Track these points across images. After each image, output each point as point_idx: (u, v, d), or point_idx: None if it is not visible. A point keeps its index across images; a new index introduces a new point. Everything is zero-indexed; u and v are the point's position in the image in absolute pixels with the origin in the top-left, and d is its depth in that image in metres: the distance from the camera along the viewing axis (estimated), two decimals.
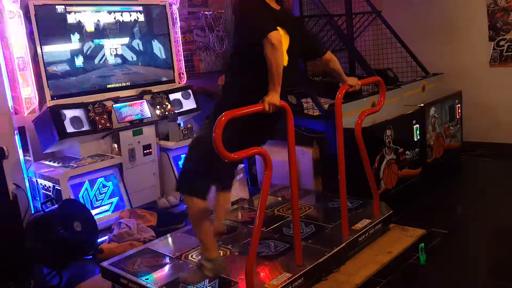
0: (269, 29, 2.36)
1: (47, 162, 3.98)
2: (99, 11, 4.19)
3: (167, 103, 4.50)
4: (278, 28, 2.44)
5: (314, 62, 5.03)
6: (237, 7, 2.70)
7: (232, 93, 2.61)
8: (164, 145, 4.47)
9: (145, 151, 4.30)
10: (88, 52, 4.14)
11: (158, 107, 4.41)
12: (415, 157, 4.17)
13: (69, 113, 3.86)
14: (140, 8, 4.50)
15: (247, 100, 2.38)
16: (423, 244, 3.00)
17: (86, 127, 3.92)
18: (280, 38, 2.40)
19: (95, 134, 4.00)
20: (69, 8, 3.99)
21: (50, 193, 3.75)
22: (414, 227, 3.34)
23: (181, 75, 4.88)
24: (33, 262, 3.22)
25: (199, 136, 2.65)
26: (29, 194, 3.77)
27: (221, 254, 2.73)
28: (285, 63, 2.53)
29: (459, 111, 4.94)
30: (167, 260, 2.90)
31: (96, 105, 4.01)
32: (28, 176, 3.85)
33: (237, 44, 2.65)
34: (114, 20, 4.30)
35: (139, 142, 4.26)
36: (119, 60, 4.35)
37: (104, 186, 3.99)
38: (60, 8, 3.94)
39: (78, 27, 4.06)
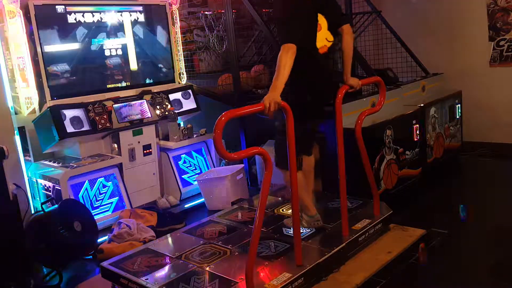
0: (288, 40, 2.69)
1: (47, 162, 3.98)
2: (99, 11, 4.19)
3: (167, 103, 4.50)
4: (318, 14, 2.96)
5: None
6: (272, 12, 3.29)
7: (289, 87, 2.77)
8: (164, 145, 4.47)
9: (145, 151, 4.30)
10: (88, 52, 4.14)
11: (158, 107, 4.42)
12: (415, 157, 4.17)
13: (69, 113, 3.86)
14: (140, 8, 4.50)
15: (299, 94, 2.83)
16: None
17: (86, 127, 3.92)
18: (294, 50, 2.69)
19: (95, 134, 4.00)
20: (69, 8, 3.99)
21: (50, 193, 3.75)
22: (414, 227, 3.34)
23: (181, 75, 4.88)
24: (33, 262, 3.22)
25: (276, 125, 3.07)
26: (29, 194, 3.77)
27: (318, 214, 3.17)
28: (331, 38, 3.02)
29: (459, 111, 4.94)
30: (167, 260, 2.90)
31: (96, 105, 4.01)
32: (28, 176, 3.85)
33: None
34: (114, 20, 4.30)
35: (139, 142, 4.26)
36: (119, 60, 4.35)
37: (104, 186, 3.99)
38: (60, 8, 3.94)
39: (78, 27, 4.06)
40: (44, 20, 3.83)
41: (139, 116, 4.25)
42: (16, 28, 3.70)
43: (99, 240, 3.59)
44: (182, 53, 4.87)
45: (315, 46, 2.96)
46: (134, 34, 4.46)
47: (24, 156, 3.80)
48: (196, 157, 4.69)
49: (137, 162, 4.24)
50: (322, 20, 3.00)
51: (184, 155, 4.59)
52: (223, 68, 5.38)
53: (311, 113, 3.07)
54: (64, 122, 3.80)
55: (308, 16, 2.93)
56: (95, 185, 3.93)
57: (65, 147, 4.08)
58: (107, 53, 4.26)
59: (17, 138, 3.68)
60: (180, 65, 4.86)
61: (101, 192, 3.97)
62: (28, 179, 3.85)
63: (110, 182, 4.03)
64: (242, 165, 4.53)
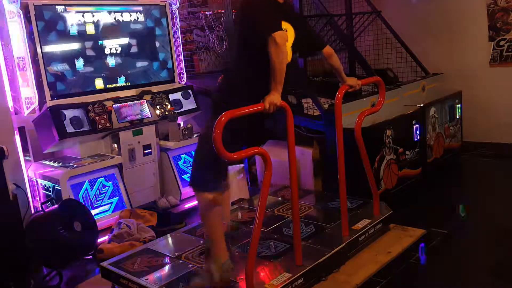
0: (275, 28, 2.34)
1: (47, 162, 3.98)
2: (99, 11, 4.19)
3: (167, 103, 4.50)
4: (284, 23, 2.46)
5: (314, 61, 5.04)
6: (242, 3, 2.66)
7: (229, 91, 2.61)
8: (164, 145, 4.47)
9: (145, 151, 4.30)
10: (88, 52, 4.13)
11: (158, 107, 4.42)
12: (415, 157, 4.17)
13: (69, 113, 3.86)
14: (140, 8, 4.50)
15: (243, 100, 2.39)
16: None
17: (86, 127, 3.92)
18: (286, 38, 2.37)
19: (95, 134, 4.00)
20: (69, 8, 3.99)
21: (50, 193, 3.75)
22: (414, 227, 3.34)
23: (181, 75, 4.88)
24: (33, 262, 3.22)
25: (201, 135, 2.73)
26: (29, 194, 3.77)
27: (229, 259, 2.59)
28: (289, 58, 2.53)
29: (459, 111, 4.94)
30: (167, 260, 2.90)
31: (96, 105, 4.01)
32: (28, 176, 3.85)
33: (237, 42, 2.63)
34: (114, 20, 4.30)
35: (139, 142, 4.25)
36: (119, 60, 4.35)
37: (104, 186, 3.99)
38: (60, 8, 3.94)
39: (78, 27, 4.06)
40: (44, 20, 3.83)
41: (139, 116, 4.25)
42: (16, 28, 3.70)
43: (99, 240, 3.59)
44: (182, 53, 4.87)
45: None
46: (134, 34, 4.46)
47: (24, 156, 3.80)
48: None
49: (137, 162, 4.24)
50: (290, 33, 2.62)
51: (184, 155, 4.59)
52: (223, 68, 5.38)
53: (247, 130, 2.60)
54: (64, 122, 3.80)
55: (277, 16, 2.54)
56: (95, 185, 3.93)
57: (65, 147, 4.08)
58: (107, 52, 4.26)
59: (17, 138, 3.68)
60: (180, 65, 4.86)
61: (101, 192, 3.97)
62: (28, 179, 3.85)
63: (110, 182, 4.03)
64: (242, 165, 4.53)
